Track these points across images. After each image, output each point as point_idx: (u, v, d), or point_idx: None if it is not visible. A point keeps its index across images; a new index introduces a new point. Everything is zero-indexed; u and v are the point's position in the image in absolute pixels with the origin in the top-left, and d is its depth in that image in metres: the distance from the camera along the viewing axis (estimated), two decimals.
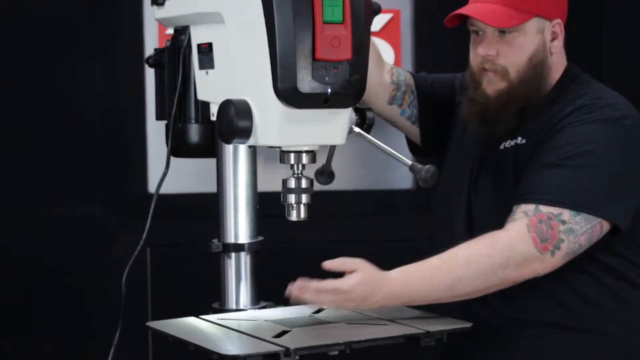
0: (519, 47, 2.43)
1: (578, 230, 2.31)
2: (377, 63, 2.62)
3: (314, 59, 2.04)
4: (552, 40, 2.47)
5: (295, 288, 2.21)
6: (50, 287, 3.99)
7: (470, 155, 2.56)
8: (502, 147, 2.48)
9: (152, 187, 3.99)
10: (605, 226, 2.34)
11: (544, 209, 2.30)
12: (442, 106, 2.68)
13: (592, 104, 2.41)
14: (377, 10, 2.35)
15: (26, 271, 4.00)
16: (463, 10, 2.46)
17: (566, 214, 2.30)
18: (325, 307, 2.32)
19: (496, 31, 2.44)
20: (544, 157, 2.37)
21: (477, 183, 2.52)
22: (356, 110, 2.30)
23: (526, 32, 2.43)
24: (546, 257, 2.29)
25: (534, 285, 2.35)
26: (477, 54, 2.48)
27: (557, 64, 2.50)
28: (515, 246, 2.28)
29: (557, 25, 2.47)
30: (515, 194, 2.38)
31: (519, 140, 2.45)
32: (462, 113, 2.55)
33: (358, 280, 2.21)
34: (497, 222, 2.37)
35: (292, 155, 2.21)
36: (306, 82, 2.05)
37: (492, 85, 2.46)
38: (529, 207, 2.32)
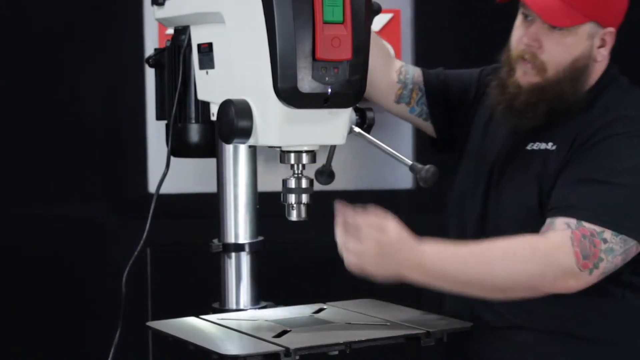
0: (565, 47, 2.36)
1: (617, 250, 2.24)
2: (385, 62, 2.60)
3: (314, 59, 2.04)
4: (600, 47, 2.40)
5: (340, 225, 2.22)
6: (50, 287, 3.99)
7: (493, 152, 2.50)
8: (529, 148, 2.42)
9: (152, 187, 3.98)
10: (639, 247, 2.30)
11: (587, 224, 2.23)
12: (455, 101, 2.63)
13: (633, 115, 2.34)
14: (377, 10, 2.35)
15: (26, 271, 4.00)
16: None
17: (608, 233, 2.23)
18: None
19: (546, 23, 2.35)
20: (586, 170, 2.30)
21: (499, 183, 2.46)
22: (356, 110, 2.30)
23: (577, 34, 2.35)
24: (583, 275, 2.22)
25: None
26: (521, 41, 2.39)
27: (598, 70, 2.43)
28: (556, 256, 2.21)
29: (609, 34, 2.40)
30: (553, 206, 2.30)
31: (550, 145, 2.38)
32: (490, 97, 2.47)
33: (398, 228, 2.19)
34: (513, 224, 2.34)
35: (292, 155, 2.21)
36: (306, 82, 2.05)
37: (527, 77, 2.39)
38: (571, 220, 2.24)
